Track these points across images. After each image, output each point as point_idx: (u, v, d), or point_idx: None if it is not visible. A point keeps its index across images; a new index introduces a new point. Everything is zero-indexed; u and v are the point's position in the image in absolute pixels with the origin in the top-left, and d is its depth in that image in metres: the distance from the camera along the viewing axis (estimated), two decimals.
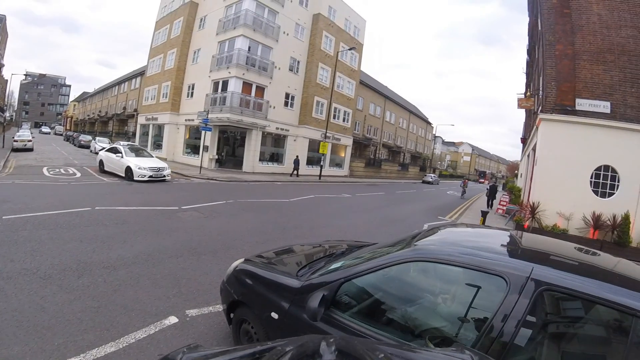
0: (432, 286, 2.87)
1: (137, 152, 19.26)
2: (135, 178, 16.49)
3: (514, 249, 2.88)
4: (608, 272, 2.45)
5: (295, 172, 30.95)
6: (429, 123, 79.92)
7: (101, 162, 19.19)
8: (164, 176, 17.89)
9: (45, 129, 76.67)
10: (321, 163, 31.95)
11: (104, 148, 30.92)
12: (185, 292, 4.99)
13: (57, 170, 18.27)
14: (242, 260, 3.81)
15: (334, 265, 3.09)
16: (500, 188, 37.78)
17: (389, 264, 2.66)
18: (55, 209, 9.07)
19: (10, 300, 4.22)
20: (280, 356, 1.23)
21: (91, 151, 34.74)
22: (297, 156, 31.71)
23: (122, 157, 17.71)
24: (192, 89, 32.61)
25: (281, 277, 3.23)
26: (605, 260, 2.77)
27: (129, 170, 16.90)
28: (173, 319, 4.17)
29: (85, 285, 4.84)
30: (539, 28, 15.92)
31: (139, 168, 16.76)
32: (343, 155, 40.78)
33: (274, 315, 2.98)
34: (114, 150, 18.79)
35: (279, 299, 3.03)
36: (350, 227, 11.31)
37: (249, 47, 28.27)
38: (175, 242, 7.36)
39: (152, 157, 19.75)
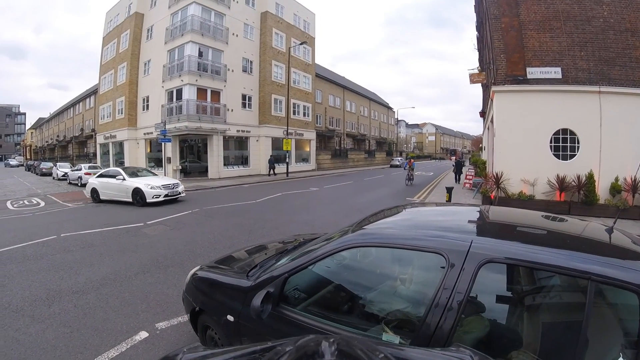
0: (378, 270, 2.93)
1: (137, 172, 17.30)
2: (148, 200, 14.77)
3: (459, 224, 2.87)
4: (563, 238, 2.48)
5: (271, 171, 31.18)
6: (390, 108, 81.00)
7: (94, 191, 16.83)
8: (179, 193, 16.29)
9: (13, 161, 74.14)
10: (286, 160, 32.06)
11: (66, 173, 30.53)
12: (154, 306, 5.15)
13: (21, 202, 17.88)
14: (198, 267, 3.86)
15: (281, 261, 3.09)
16: (466, 163, 38.22)
17: (328, 253, 2.64)
18: (22, 241, 9.02)
19: None
20: (280, 356, 1.23)
21: (54, 178, 33.93)
22: (271, 156, 32.03)
23: (123, 179, 15.84)
24: (147, 101, 32.14)
25: (232, 279, 3.26)
26: (568, 225, 2.80)
27: (137, 193, 15.08)
28: (144, 334, 4.33)
29: (57, 313, 4.95)
30: (484, 3, 16.32)
31: (151, 188, 14.99)
32: (308, 149, 41.03)
33: (230, 317, 2.98)
34: (109, 175, 16.80)
35: (232, 301, 3.05)
36: (316, 220, 11.58)
37: (200, 53, 28.07)
38: (142, 259, 7.48)
39: (156, 174, 18.43)
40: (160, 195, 15.06)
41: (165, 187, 15.48)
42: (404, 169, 26.89)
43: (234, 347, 1.48)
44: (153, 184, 15.21)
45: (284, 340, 1.41)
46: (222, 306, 3.15)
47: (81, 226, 10.99)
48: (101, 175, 17.24)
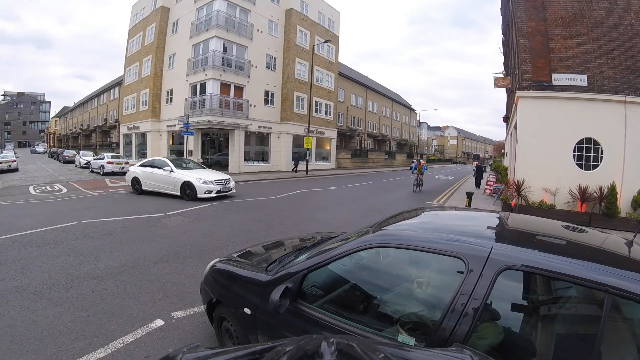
0: (395, 272, 2.91)
1: (185, 164, 16.27)
2: (199, 195, 13.92)
3: (479, 229, 2.84)
4: (582, 248, 2.42)
5: (295, 168, 31.44)
6: (412, 110, 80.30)
7: (136, 181, 15.96)
8: (231, 189, 15.31)
9: (39, 147, 74.91)
10: (307, 158, 32.03)
11: (88, 161, 31.12)
12: (171, 295, 5.16)
13: (44, 188, 18.29)
14: (218, 259, 3.89)
15: (300, 257, 3.12)
16: (487, 168, 37.63)
17: (349, 251, 2.66)
18: (43, 226, 9.19)
19: (4, 317, 4.39)
20: (280, 356, 1.24)
21: (76, 166, 34.75)
22: (295, 153, 32.41)
23: (171, 171, 14.91)
24: (171, 94, 32.53)
25: (251, 272, 3.29)
26: (588, 236, 2.76)
27: (188, 186, 14.20)
28: (159, 322, 4.34)
29: (74, 297, 5.01)
30: (510, 7, 16.07)
31: (203, 182, 14.12)
32: (328, 148, 40.92)
33: (247, 310, 3.01)
34: (154, 165, 15.88)
35: (250, 294, 3.08)
36: (335, 219, 11.49)
37: (224, 48, 28.26)
38: (161, 248, 7.52)
39: (204, 167, 17.67)
40: (212, 191, 14.22)
41: (218, 182, 14.60)
42: (412, 172, 22.04)
43: (234, 347, 1.50)
44: (206, 178, 14.38)
45: (284, 340, 1.44)
46: (239, 299, 3.17)
47: (102, 214, 11.13)
48: (145, 165, 16.39)
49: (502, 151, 42.25)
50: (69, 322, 4.32)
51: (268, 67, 32.50)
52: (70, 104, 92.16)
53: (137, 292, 5.27)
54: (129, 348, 3.81)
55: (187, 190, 14.21)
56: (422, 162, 21.81)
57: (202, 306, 4.05)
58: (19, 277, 5.71)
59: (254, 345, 1.44)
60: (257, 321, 2.96)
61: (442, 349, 1.59)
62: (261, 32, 31.31)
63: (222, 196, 14.74)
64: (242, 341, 3.17)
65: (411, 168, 22.89)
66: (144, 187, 15.69)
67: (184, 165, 15.98)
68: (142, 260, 6.69)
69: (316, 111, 37.08)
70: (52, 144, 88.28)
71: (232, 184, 15.42)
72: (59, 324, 4.27)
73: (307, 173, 30.85)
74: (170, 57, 33.27)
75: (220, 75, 27.76)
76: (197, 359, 1.39)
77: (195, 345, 1.54)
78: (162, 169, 15.27)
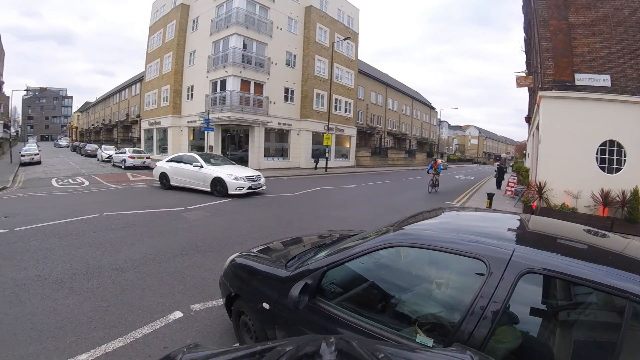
0: (414, 272, 2.89)
1: (214, 160, 16.08)
2: (230, 192, 13.71)
3: (500, 231, 2.77)
4: (606, 254, 2.36)
5: (316, 165, 31.44)
6: (432, 108, 79.42)
7: (164, 176, 15.87)
8: (261, 186, 15.14)
9: (62, 141, 75.94)
10: (326, 155, 31.95)
11: (110, 155, 31.67)
12: (190, 288, 5.18)
13: (66, 180, 18.63)
14: (237, 254, 3.92)
15: (320, 254, 3.14)
16: (509, 169, 37.02)
17: (368, 250, 2.66)
18: (65, 217, 9.35)
19: (25, 305, 4.47)
20: (280, 356, 1.25)
21: (98, 159, 35.38)
22: (317, 150, 32.25)
23: (200, 167, 14.76)
24: (192, 90, 32.86)
25: (271, 268, 3.30)
26: (610, 241, 2.67)
27: (218, 182, 13.99)
28: (178, 314, 4.36)
29: (95, 287, 5.07)
30: (532, 5, 15.74)
31: (234, 179, 13.91)
32: (348, 146, 40.78)
33: (266, 305, 3.03)
34: (183, 160, 15.80)
35: (269, 289, 3.10)
36: (353, 217, 11.42)
37: (244, 45, 28.36)
38: (181, 242, 7.57)
39: (233, 163, 17.20)
40: (243, 188, 13.98)
41: (249, 178, 14.35)
42: (428, 172, 20.90)
43: (234, 347, 1.56)
44: (237, 175, 14.15)
45: (284, 340, 1.47)
46: (258, 293, 3.20)
47: (123, 206, 11.27)
48: (173, 160, 16.25)
49: (524, 152, 41.52)
50: (89, 311, 4.38)
51: (288, 64, 32.51)
52: (92, 99, 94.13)
53: (157, 284, 5.31)
54: (147, 338, 3.84)
55: (218, 187, 14.00)
56: (438, 161, 21.17)
57: (221, 300, 4.10)
58: (41, 266, 5.81)
59: (254, 345, 1.47)
60: (276, 316, 2.98)
61: (442, 349, 1.65)
62: (281, 29, 31.30)
63: (251, 193, 14.55)
64: (260, 335, 3.18)
65: (427, 168, 21.65)
66: (172, 183, 15.59)
67: (213, 160, 15.75)
68: (163, 253, 6.75)
69: (336, 108, 36.92)
70: (74, 138, 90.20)
71: (262, 180, 15.21)
72: (79, 313, 4.33)
73: (326, 170, 30.77)
74: (190, 54, 33.59)
75: (240, 72, 27.88)
76: (197, 359, 1.40)
77: (195, 345, 1.57)
78: (191, 164, 15.10)
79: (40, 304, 4.51)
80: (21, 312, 4.28)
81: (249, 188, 14.15)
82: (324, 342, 1.33)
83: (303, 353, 1.29)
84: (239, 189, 13.82)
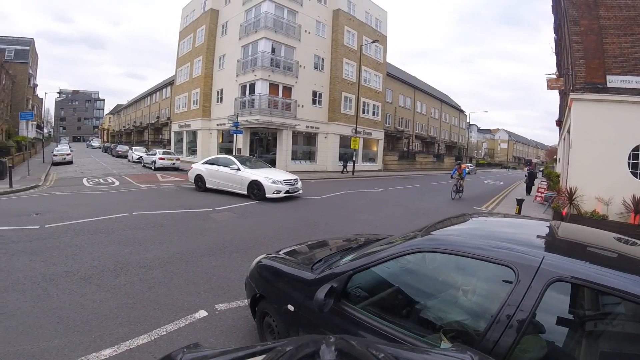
0: (444, 277, 2.84)
1: (250, 163, 15.88)
2: (268, 195, 13.49)
3: (529, 238, 2.68)
4: (637, 263, 2.27)
5: (345, 168, 31.47)
6: (461, 111, 78.16)
7: (200, 178, 15.78)
8: (299, 190, 14.88)
9: (95, 142, 76.96)
10: (353, 158, 31.74)
11: (141, 157, 32.34)
12: (216, 288, 5.20)
13: (96, 180, 19.11)
14: (264, 255, 3.93)
15: (346, 258, 3.13)
16: (539, 174, 36.06)
17: (396, 254, 2.65)
18: (95, 216, 9.58)
19: (53, 299, 4.57)
20: (280, 356, 1.25)
21: (129, 160, 36.21)
22: (345, 153, 32.29)
23: (237, 169, 14.56)
24: (221, 94, 33.33)
25: (297, 270, 3.30)
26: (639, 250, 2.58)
27: (256, 186, 13.77)
28: (203, 313, 4.37)
29: (122, 284, 5.14)
30: (562, 4, 15.30)
31: (272, 182, 13.68)
32: (375, 149, 40.58)
33: (290, 307, 3.05)
34: (219, 162, 15.62)
35: (294, 291, 3.12)
36: (379, 221, 11.28)
37: (273, 49, 28.57)
38: (208, 242, 7.64)
39: (269, 166, 17.02)
40: (281, 191, 13.75)
41: (286, 182, 14.10)
42: (451, 176, 20.12)
43: (234, 347, 1.48)
44: (274, 178, 13.92)
45: (284, 340, 1.47)
46: (284, 295, 3.22)
47: (153, 206, 11.47)
48: (209, 163, 16.10)
49: (555, 157, 40.47)
50: (115, 307, 4.44)
51: (316, 67, 32.60)
52: (123, 102, 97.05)
53: (184, 282, 5.35)
54: (171, 336, 3.86)
55: (255, 190, 13.78)
56: (462, 165, 20.29)
57: (246, 300, 4.12)
58: (70, 262, 5.95)
59: (253, 345, 1.45)
60: (300, 318, 2.99)
61: (442, 349, 1.64)
62: (309, 32, 31.43)
63: (288, 197, 14.33)
64: (284, 337, 3.15)
65: (451, 173, 20.53)
66: (208, 185, 15.46)
67: (249, 163, 15.57)
68: (190, 253, 6.80)
69: (364, 112, 36.79)
70: (105, 139, 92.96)
71: (299, 184, 14.94)
72: (105, 308, 4.39)
73: (353, 174, 30.62)
74: (220, 58, 34.11)
75: (269, 75, 28.09)
76: (197, 359, 1.40)
77: (195, 345, 1.57)
78: (228, 167, 14.92)
79: (67, 299, 4.60)
80: (49, 306, 4.37)
81: (287, 192, 13.93)
82: (323, 342, 1.34)
83: (303, 353, 1.29)
84: (277, 193, 13.63)
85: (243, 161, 15.41)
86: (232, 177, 14.58)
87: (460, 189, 18.89)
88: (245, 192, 14.08)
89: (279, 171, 15.92)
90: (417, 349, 1.73)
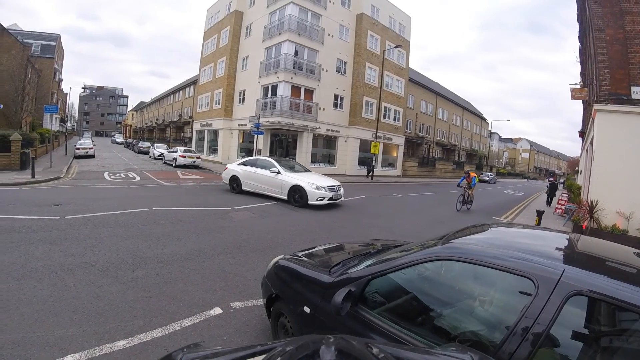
0: (461, 286, 2.84)
1: (290, 165, 15.15)
2: (310, 202, 12.77)
3: (549, 250, 2.69)
4: None
5: (369, 173, 31.31)
6: (483, 119, 77.11)
7: (235, 179, 15.11)
8: (341, 197, 14.06)
9: (118, 138, 75.95)
10: (372, 163, 31.62)
11: (162, 153, 32.76)
12: (232, 286, 5.21)
13: (118, 174, 19.38)
14: (282, 256, 3.93)
15: (364, 263, 3.13)
16: (560, 186, 35.41)
17: (415, 261, 2.65)
18: (115, 209, 9.71)
19: (69, 289, 4.64)
20: (280, 356, 1.25)
21: (150, 157, 36.76)
22: (369, 158, 32.08)
23: (277, 172, 13.82)
24: (243, 95, 33.53)
25: (314, 272, 3.31)
26: None
27: (297, 191, 13.09)
28: (218, 310, 4.39)
29: (139, 278, 5.20)
30: (587, 13, 14.95)
31: (316, 188, 12.94)
32: (395, 154, 40.23)
33: (307, 309, 3.05)
34: (257, 164, 14.86)
35: (311, 293, 3.12)
36: (397, 227, 11.19)
37: (295, 52, 28.64)
38: (225, 240, 7.67)
39: (309, 170, 16.32)
40: (324, 198, 12.98)
41: (330, 188, 13.33)
42: (458, 185, 18.74)
43: (234, 347, 1.48)
44: (318, 184, 13.16)
45: (284, 340, 1.47)
46: (300, 297, 3.23)
47: (172, 203, 11.60)
48: (245, 164, 15.35)
49: (576, 168, 39.69)
50: (131, 300, 4.49)
51: (338, 71, 32.52)
52: (147, 99, 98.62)
53: (200, 279, 5.37)
54: (185, 331, 3.88)
55: (296, 196, 13.12)
56: (472, 173, 18.14)
57: (262, 300, 4.13)
58: (88, 254, 6.04)
59: (254, 345, 1.45)
60: (316, 321, 2.99)
61: (442, 349, 1.62)
62: (332, 36, 31.40)
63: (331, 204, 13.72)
64: None
65: (459, 181, 18.96)
66: (243, 187, 14.82)
67: (288, 167, 14.78)
68: (207, 250, 6.84)
69: (385, 117, 36.55)
70: (127, 135, 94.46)
71: (342, 190, 14.13)
72: (121, 301, 4.44)
73: (372, 179, 30.47)
74: (243, 59, 34.33)
75: (291, 78, 28.18)
76: (197, 359, 1.40)
77: (195, 345, 1.57)
78: (267, 169, 14.21)
79: (84, 289, 4.66)
80: (65, 296, 4.44)
81: (330, 199, 13.22)
82: (323, 342, 1.34)
83: (303, 353, 1.29)
84: (320, 200, 12.90)
85: (283, 164, 14.65)
86: (272, 181, 13.93)
87: (469, 199, 17.24)
88: (285, 197, 13.49)
89: (320, 176, 15.09)
90: (417, 348, 1.73)
